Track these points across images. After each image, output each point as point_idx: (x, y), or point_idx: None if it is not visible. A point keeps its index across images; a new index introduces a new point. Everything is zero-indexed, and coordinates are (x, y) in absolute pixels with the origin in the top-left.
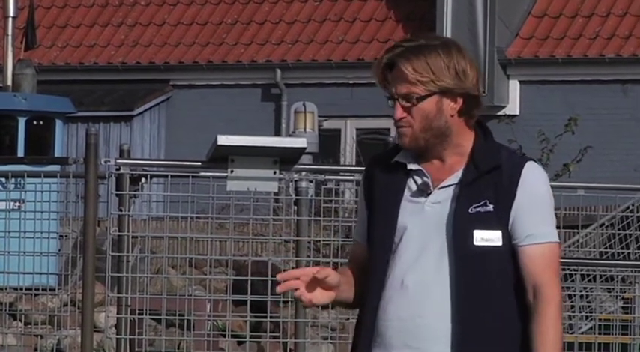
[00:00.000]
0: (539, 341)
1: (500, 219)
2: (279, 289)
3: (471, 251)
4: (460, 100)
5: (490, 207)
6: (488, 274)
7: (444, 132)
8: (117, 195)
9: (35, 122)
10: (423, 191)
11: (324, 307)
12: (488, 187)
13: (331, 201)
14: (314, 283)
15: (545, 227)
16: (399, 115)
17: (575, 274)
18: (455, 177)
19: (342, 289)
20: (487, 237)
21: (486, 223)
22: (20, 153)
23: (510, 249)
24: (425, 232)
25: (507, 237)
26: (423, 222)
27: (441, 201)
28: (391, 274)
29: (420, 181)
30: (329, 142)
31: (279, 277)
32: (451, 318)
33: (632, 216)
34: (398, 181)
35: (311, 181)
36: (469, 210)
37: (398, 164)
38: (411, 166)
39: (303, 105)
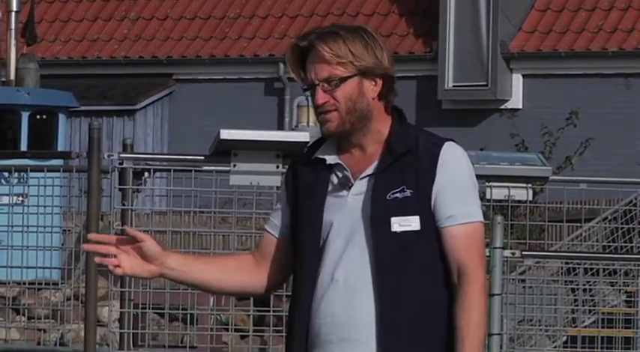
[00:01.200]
0: (463, 320)
1: (419, 203)
2: (84, 247)
3: (389, 238)
4: (380, 82)
5: (408, 192)
6: (409, 260)
7: (366, 116)
8: (120, 189)
9: (38, 116)
10: (345, 184)
11: None
12: (406, 172)
13: None
14: (136, 253)
15: (466, 206)
16: (321, 100)
17: (579, 268)
18: (374, 166)
19: (189, 269)
20: (405, 223)
21: (404, 209)
22: (23, 147)
23: (431, 232)
24: (349, 225)
25: (428, 220)
26: (347, 215)
27: (363, 191)
28: (321, 271)
29: (340, 175)
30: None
31: (89, 236)
32: (374, 308)
33: (635, 210)
34: (320, 178)
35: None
36: (387, 197)
37: (319, 161)
38: (331, 161)
39: (306, 99)
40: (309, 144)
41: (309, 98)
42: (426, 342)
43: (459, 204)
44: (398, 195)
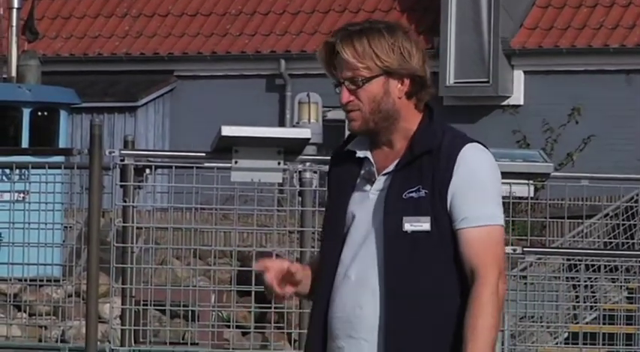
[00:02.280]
0: (470, 323)
1: (433, 204)
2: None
3: (400, 237)
4: (407, 82)
5: (423, 192)
6: (418, 261)
7: (392, 115)
8: (121, 186)
9: (39, 113)
10: (369, 179)
11: None
12: (424, 172)
13: None
14: (284, 277)
15: (482, 209)
16: (345, 99)
17: (580, 264)
18: (395, 164)
19: (302, 283)
20: (416, 223)
21: (417, 208)
22: (24, 144)
23: (445, 234)
24: (368, 221)
25: (441, 222)
26: (367, 210)
27: (383, 188)
28: (339, 265)
29: (367, 169)
30: (333, 133)
31: (258, 267)
32: (380, 308)
33: (636, 206)
34: (350, 171)
35: (315, 172)
36: (403, 196)
37: (351, 153)
38: (360, 154)
39: (308, 95)
40: (348, 135)
41: (339, 95)
42: (433, 347)
43: (474, 206)
44: (414, 194)
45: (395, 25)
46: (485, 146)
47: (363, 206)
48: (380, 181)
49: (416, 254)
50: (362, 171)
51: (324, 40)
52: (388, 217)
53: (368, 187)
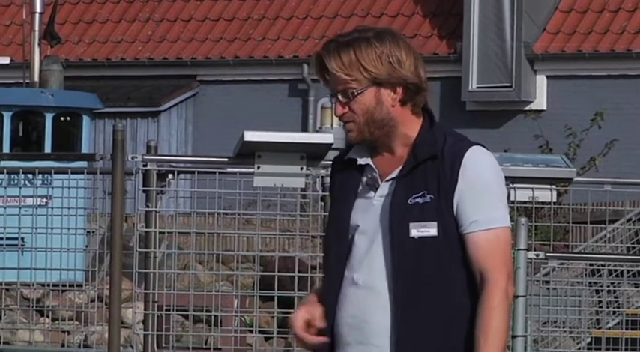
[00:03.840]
0: (482, 325)
1: (439, 209)
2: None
3: (407, 243)
4: (399, 90)
5: (428, 198)
6: (426, 266)
7: (388, 124)
8: (144, 191)
9: (62, 118)
10: (372, 186)
11: None
12: (429, 177)
13: None
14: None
15: (489, 212)
16: (339, 112)
17: (603, 269)
18: (399, 170)
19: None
20: (423, 229)
21: (423, 214)
22: (47, 149)
23: (452, 239)
24: (373, 227)
25: (447, 226)
26: (372, 217)
27: (388, 194)
28: (346, 272)
29: (369, 176)
30: None
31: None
32: (390, 313)
33: None
34: (352, 178)
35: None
36: (408, 202)
37: (352, 161)
38: (361, 161)
39: (331, 100)
40: (347, 143)
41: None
42: None
43: (481, 210)
44: (419, 199)
45: (385, 31)
46: (486, 148)
47: (368, 213)
48: (384, 187)
49: (423, 259)
50: (364, 178)
51: (314, 52)
52: (394, 223)
53: (372, 194)
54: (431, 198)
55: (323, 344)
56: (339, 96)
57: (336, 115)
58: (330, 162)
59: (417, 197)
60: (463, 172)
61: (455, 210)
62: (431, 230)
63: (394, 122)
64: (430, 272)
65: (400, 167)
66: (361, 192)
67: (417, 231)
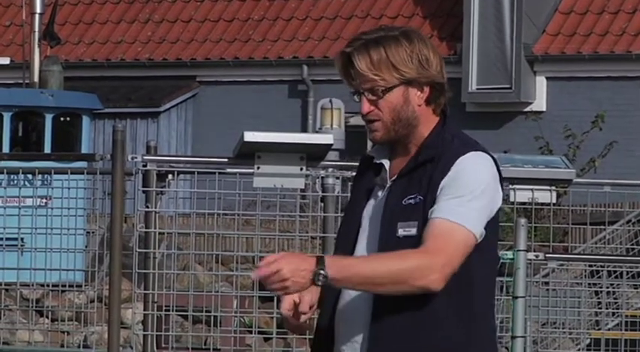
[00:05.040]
0: (379, 256)
1: (424, 210)
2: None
3: (393, 243)
4: (426, 89)
5: (418, 199)
6: None
7: (412, 123)
8: (144, 191)
9: (62, 119)
10: (382, 185)
11: None
12: (424, 179)
13: None
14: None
15: (456, 207)
16: (366, 110)
17: (602, 270)
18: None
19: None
20: (407, 228)
21: (411, 214)
22: (47, 149)
23: None
24: (373, 226)
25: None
26: (374, 216)
27: (388, 193)
28: None
29: (381, 175)
30: (355, 139)
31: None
32: (370, 311)
33: None
34: (370, 177)
35: (338, 178)
36: (403, 202)
37: (373, 159)
38: (377, 160)
39: (330, 101)
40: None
41: (359, 103)
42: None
43: (449, 204)
44: (412, 200)
45: (411, 30)
46: (492, 156)
47: (373, 212)
48: (389, 187)
49: None
50: (377, 178)
51: (340, 49)
52: (385, 223)
53: (380, 193)
54: (420, 199)
55: (302, 330)
56: (367, 94)
57: (362, 113)
58: (330, 163)
59: (411, 198)
60: (450, 173)
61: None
62: (412, 229)
63: (417, 122)
64: None
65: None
66: (375, 191)
67: (403, 230)
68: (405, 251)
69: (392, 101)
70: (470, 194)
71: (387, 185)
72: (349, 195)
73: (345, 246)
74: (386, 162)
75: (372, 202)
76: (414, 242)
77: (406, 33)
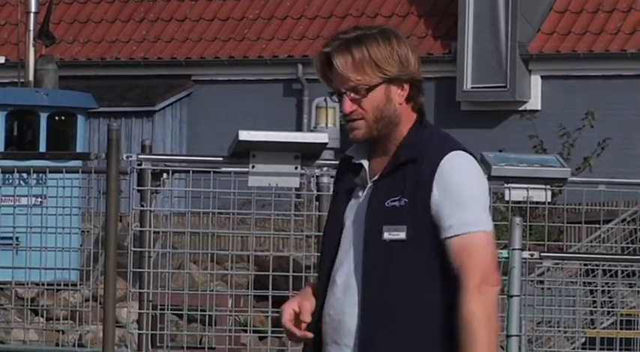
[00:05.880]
0: (461, 329)
1: (411, 213)
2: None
3: (379, 246)
4: (407, 87)
5: (403, 202)
6: (394, 268)
7: (393, 121)
8: (138, 190)
9: (57, 117)
10: (362, 186)
11: None
12: (407, 181)
13: None
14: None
15: (464, 216)
16: (348, 109)
17: (597, 269)
18: (380, 172)
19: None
20: (394, 232)
21: (396, 217)
22: (42, 148)
23: (423, 243)
24: (356, 228)
25: (418, 230)
26: (356, 217)
27: (369, 194)
28: (332, 273)
29: (361, 176)
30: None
31: (294, 335)
32: (358, 314)
33: None
34: (350, 178)
35: (332, 177)
36: (385, 204)
37: (350, 159)
38: (356, 160)
39: (325, 100)
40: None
41: (338, 103)
42: None
43: (456, 214)
44: (396, 203)
45: (388, 29)
46: (471, 153)
47: (353, 213)
48: (370, 188)
49: (392, 262)
50: (357, 178)
51: (318, 50)
52: (369, 225)
53: (360, 194)
54: (405, 202)
55: (307, 339)
56: (350, 94)
57: (343, 112)
58: (325, 162)
59: (395, 200)
60: (438, 178)
61: (433, 216)
62: (400, 234)
63: (398, 120)
64: (397, 275)
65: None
66: (355, 191)
67: (389, 234)
68: (464, 310)
69: (375, 99)
70: (470, 197)
71: (368, 185)
72: (331, 195)
73: (329, 246)
74: (365, 163)
75: (353, 203)
76: (403, 246)
77: (384, 31)
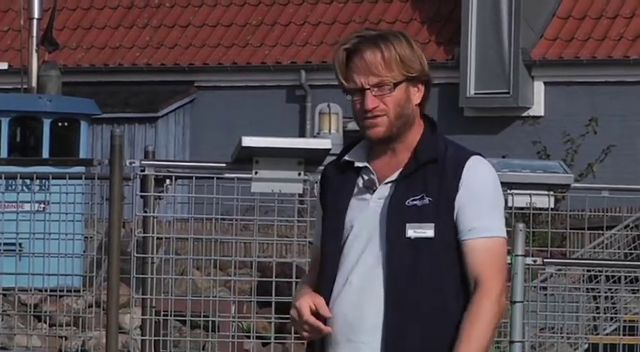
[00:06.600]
0: (466, 332)
1: (437, 212)
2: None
3: (403, 244)
4: (422, 88)
5: (427, 200)
6: (421, 267)
7: (409, 121)
8: (141, 196)
9: (60, 124)
10: (369, 188)
11: None
12: (429, 180)
13: None
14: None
15: (488, 220)
16: (372, 105)
17: (600, 275)
18: (398, 172)
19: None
20: (419, 230)
21: (420, 216)
22: (45, 154)
23: (447, 242)
24: (369, 228)
25: (444, 230)
26: (368, 218)
27: (385, 196)
28: (339, 273)
29: (366, 178)
30: None
31: (309, 325)
32: (383, 311)
33: None
34: (348, 180)
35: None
36: (406, 203)
37: (348, 164)
38: (359, 164)
39: (328, 106)
40: (343, 147)
41: (353, 102)
42: None
43: (481, 218)
44: (417, 202)
45: (404, 32)
46: (483, 157)
47: (364, 214)
48: (382, 190)
49: (418, 260)
50: (359, 180)
51: (340, 46)
52: (391, 224)
53: (368, 196)
54: (429, 200)
55: (327, 333)
56: (373, 90)
57: (364, 110)
58: None
59: (416, 199)
60: (465, 180)
61: (455, 215)
62: (427, 231)
63: (413, 120)
64: (424, 273)
65: (400, 170)
66: (356, 194)
67: (414, 231)
68: (475, 310)
69: (397, 97)
70: (494, 204)
71: (377, 187)
72: (320, 201)
73: (333, 248)
74: (369, 165)
75: (357, 204)
76: (430, 244)
77: (403, 33)
